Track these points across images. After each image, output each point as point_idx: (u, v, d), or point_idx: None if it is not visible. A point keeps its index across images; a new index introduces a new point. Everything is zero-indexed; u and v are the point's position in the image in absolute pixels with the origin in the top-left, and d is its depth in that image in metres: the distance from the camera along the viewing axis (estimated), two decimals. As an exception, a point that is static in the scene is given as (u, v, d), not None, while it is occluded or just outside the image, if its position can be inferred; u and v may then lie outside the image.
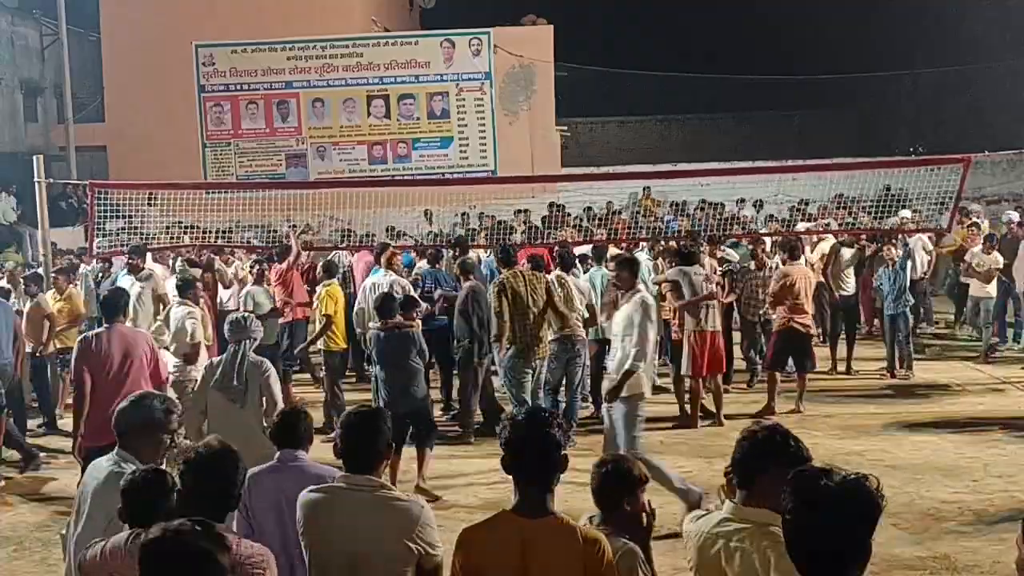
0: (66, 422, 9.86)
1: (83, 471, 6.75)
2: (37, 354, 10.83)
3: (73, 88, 23.83)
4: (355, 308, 10.87)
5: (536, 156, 23.09)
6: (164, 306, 10.56)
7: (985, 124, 26.55)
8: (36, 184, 11.53)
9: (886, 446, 9.29)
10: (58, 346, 10.97)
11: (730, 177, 18.36)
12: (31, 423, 10.75)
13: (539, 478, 3.31)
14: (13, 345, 9.69)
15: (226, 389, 6.55)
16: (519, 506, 3.32)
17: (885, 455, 8.97)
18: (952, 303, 15.53)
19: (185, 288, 9.20)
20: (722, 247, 12.67)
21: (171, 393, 6.82)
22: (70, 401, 9.18)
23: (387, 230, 16.67)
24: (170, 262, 12.79)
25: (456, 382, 10.52)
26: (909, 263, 12.33)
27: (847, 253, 12.81)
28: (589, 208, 19.08)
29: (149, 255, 12.55)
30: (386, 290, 9.49)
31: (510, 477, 3.38)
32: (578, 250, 12.09)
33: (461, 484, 8.57)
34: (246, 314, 7.35)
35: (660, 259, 12.42)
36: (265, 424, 6.24)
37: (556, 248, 11.61)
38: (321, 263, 11.86)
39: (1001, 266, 13.05)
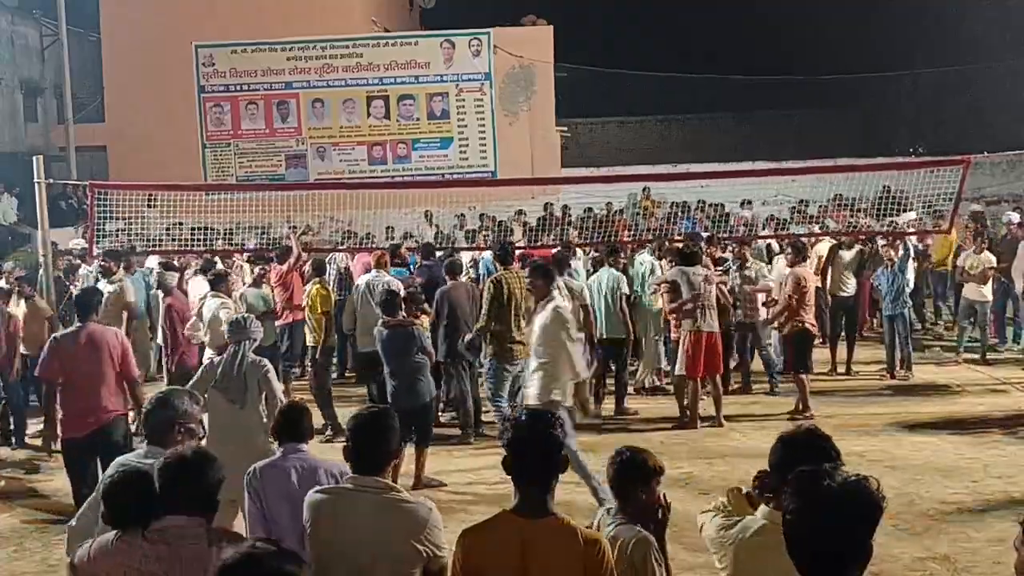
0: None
1: (66, 463, 6.96)
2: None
3: (73, 88, 23.84)
4: (345, 308, 10.87)
5: (536, 157, 23.10)
6: (128, 314, 10.73)
7: (985, 124, 26.55)
8: (36, 184, 11.52)
9: (886, 446, 9.29)
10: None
11: (731, 179, 18.35)
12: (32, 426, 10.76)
13: (540, 479, 3.32)
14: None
15: (226, 389, 6.57)
16: (519, 506, 3.32)
17: (885, 455, 8.98)
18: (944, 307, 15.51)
19: (217, 282, 9.68)
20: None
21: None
22: None
23: (386, 230, 16.70)
24: (193, 263, 12.82)
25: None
26: (909, 264, 12.34)
27: (847, 255, 12.80)
28: (589, 209, 19.09)
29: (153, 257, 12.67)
30: (381, 289, 9.68)
31: (509, 477, 3.39)
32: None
33: (461, 483, 8.58)
34: (245, 315, 7.39)
35: (664, 260, 12.37)
36: (266, 421, 6.28)
37: (559, 250, 11.63)
38: (310, 262, 11.90)
39: (994, 264, 12.92)
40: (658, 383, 12.03)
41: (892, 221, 14.38)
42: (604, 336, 10.64)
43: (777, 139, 30.98)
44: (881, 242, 13.03)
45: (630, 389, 11.43)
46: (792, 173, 18.37)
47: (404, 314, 8.79)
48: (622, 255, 11.70)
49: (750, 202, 19.15)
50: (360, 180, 22.34)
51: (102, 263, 11.33)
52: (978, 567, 6.49)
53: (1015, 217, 14.75)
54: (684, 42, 32.92)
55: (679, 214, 17.48)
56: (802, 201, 16.99)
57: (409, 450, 8.32)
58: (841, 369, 12.56)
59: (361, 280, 10.81)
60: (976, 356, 12.98)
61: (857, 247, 12.96)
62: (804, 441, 3.49)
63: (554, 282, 7.98)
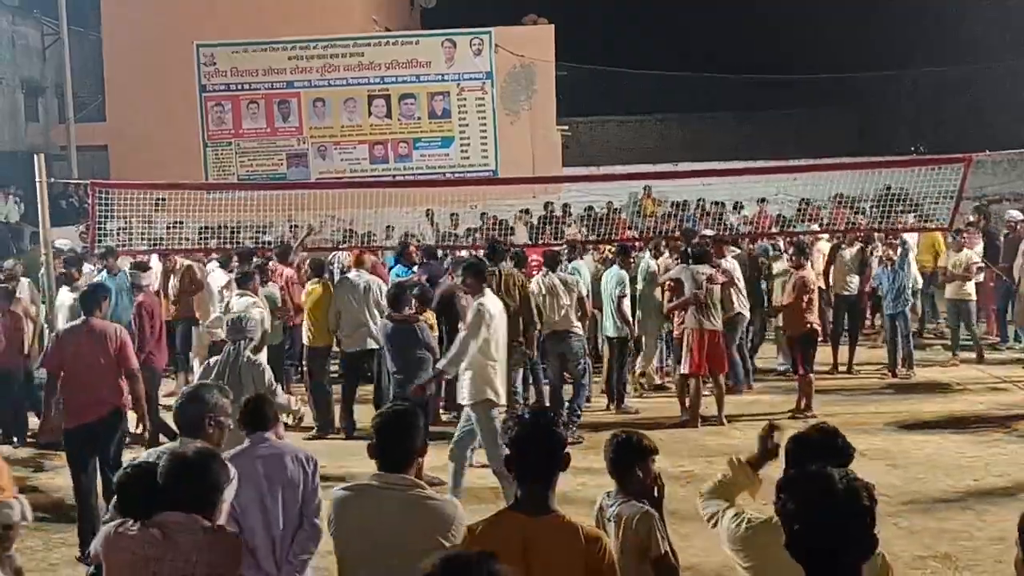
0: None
1: (67, 453, 7.08)
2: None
3: (74, 87, 23.86)
4: (329, 308, 10.86)
5: (537, 156, 23.10)
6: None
7: (985, 124, 26.55)
8: (37, 184, 11.52)
9: (887, 445, 9.30)
10: None
11: (732, 177, 18.34)
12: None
13: (542, 476, 3.34)
14: None
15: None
16: (522, 504, 3.34)
17: (886, 454, 8.98)
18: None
19: (244, 281, 9.73)
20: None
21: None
22: None
23: (386, 229, 16.70)
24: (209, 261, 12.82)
25: None
26: (908, 263, 12.34)
27: (848, 253, 12.79)
28: (590, 207, 19.11)
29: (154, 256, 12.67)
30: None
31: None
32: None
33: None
34: (244, 314, 7.40)
35: (669, 257, 12.35)
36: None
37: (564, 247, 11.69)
38: (308, 261, 11.89)
39: (976, 262, 12.80)
40: (659, 381, 12.06)
41: (899, 222, 14.29)
42: (607, 335, 10.74)
43: (777, 138, 30.97)
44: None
45: (630, 388, 11.46)
46: (793, 171, 18.37)
47: (410, 310, 8.93)
48: (631, 255, 11.68)
49: (764, 199, 19.15)
50: (361, 179, 22.34)
51: (62, 270, 11.01)
52: (979, 565, 6.50)
53: (1017, 215, 14.70)
54: (684, 41, 32.93)
55: (675, 214, 17.51)
56: (803, 200, 16.97)
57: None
58: (842, 368, 12.56)
59: (339, 279, 10.85)
60: (974, 355, 12.98)
61: (858, 245, 12.95)
62: (818, 440, 3.58)
63: (485, 280, 7.96)
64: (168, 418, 7.93)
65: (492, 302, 7.74)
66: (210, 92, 23.72)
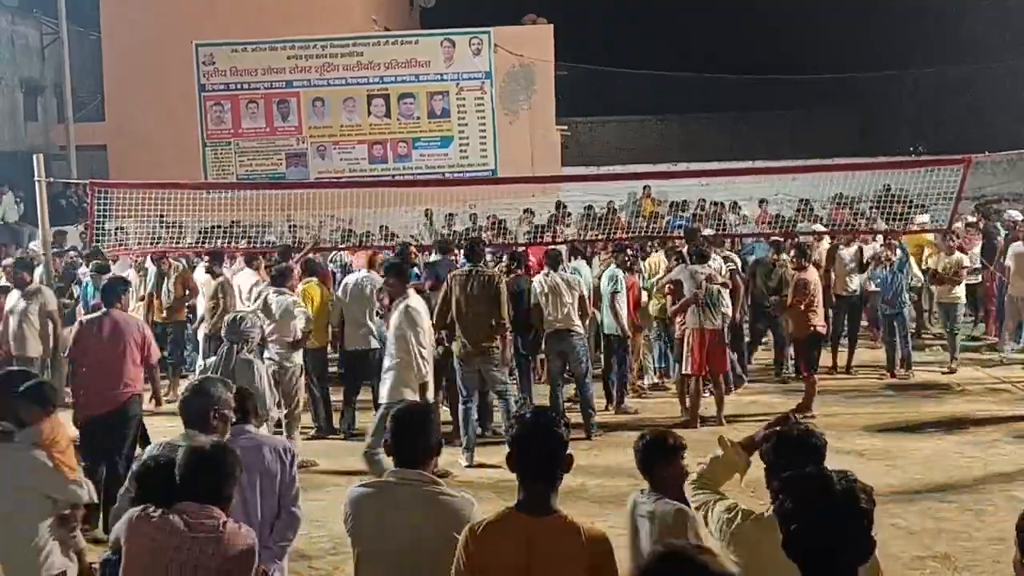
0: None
1: (81, 439, 7.10)
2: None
3: (73, 87, 23.83)
4: (333, 307, 10.86)
5: (536, 155, 23.09)
6: (53, 323, 10.36)
7: (985, 124, 26.55)
8: (36, 183, 11.51)
9: (886, 446, 9.30)
10: None
11: (731, 177, 18.35)
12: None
13: (544, 476, 3.34)
14: None
15: None
16: (524, 504, 3.34)
17: (885, 455, 8.99)
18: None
19: (282, 278, 9.71)
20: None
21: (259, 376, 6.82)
22: None
23: (380, 229, 16.69)
24: (230, 263, 12.80)
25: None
26: (907, 263, 12.32)
27: (847, 254, 12.77)
28: (590, 207, 19.10)
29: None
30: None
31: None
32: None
33: (459, 482, 8.59)
34: (244, 315, 7.40)
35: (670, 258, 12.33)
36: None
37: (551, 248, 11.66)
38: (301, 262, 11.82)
39: (968, 265, 12.67)
40: (657, 380, 12.07)
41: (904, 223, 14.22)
42: (604, 332, 10.83)
43: (777, 139, 30.97)
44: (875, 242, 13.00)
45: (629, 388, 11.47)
46: (793, 172, 18.38)
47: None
48: (628, 253, 11.67)
49: (764, 200, 19.15)
50: (360, 179, 22.33)
51: (14, 277, 10.89)
52: (978, 566, 6.49)
53: (1017, 215, 14.69)
54: (684, 41, 32.92)
55: (664, 215, 17.55)
56: (802, 200, 16.98)
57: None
58: (841, 368, 12.56)
59: (349, 279, 10.82)
60: (977, 356, 12.96)
61: (856, 245, 12.94)
62: (796, 439, 3.60)
63: (408, 281, 8.01)
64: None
65: (418, 303, 7.81)
66: (209, 92, 23.71)
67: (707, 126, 34.26)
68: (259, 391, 6.61)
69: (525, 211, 18.57)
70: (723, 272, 11.09)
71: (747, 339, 12.27)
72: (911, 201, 14.76)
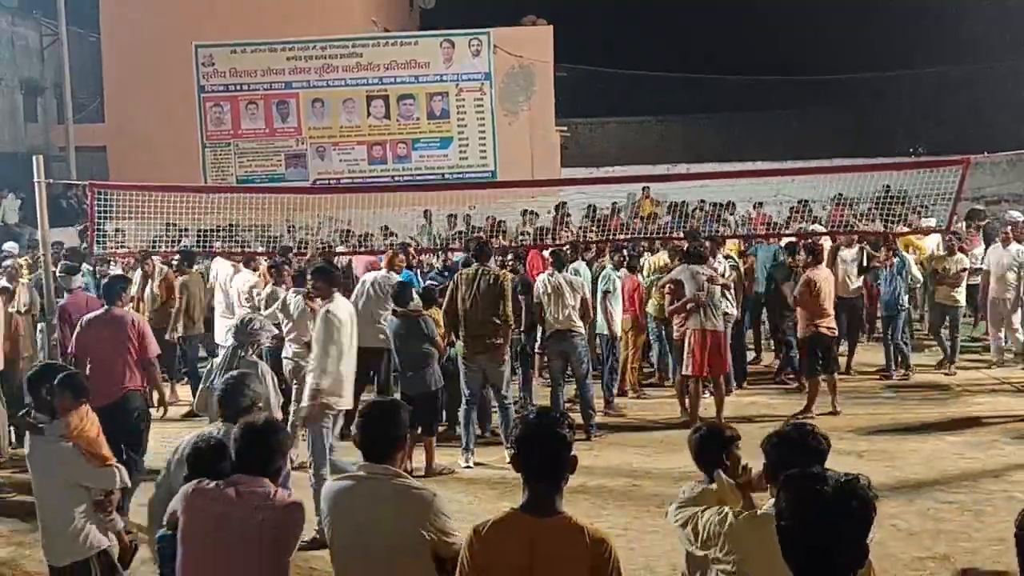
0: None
1: None
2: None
3: (73, 88, 23.84)
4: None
5: (536, 157, 23.10)
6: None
7: (985, 124, 26.55)
8: (36, 185, 11.50)
9: (886, 446, 9.30)
10: None
11: (731, 178, 18.34)
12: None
13: (548, 477, 3.35)
14: None
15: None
16: (527, 505, 3.35)
17: (884, 455, 8.98)
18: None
19: (301, 279, 9.86)
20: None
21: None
22: None
23: (381, 229, 16.70)
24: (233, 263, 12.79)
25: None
26: (907, 266, 12.29)
27: (848, 254, 12.72)
28: (592, 207, 19.11)
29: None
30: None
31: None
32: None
33: (459, 480, 8.60)
34: (253, 317, 7.43)
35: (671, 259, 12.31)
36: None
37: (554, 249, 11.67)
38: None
39: (967, 266, 12.44)
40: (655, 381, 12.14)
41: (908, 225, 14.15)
42: (598, 331, 10.94)
43: (776, 139, 30.97)
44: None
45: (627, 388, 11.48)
46: (792, 173, 18.38)
47: (414, 306, 9.26)
48: (623, 253, 11.69)
49: (761, 204, 19.17)
50: (360, 180, 22.34)
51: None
52: (978, 567, 6.48)
53: (1018, 216, 14.61)
54: (683, 42, 32.93)
55: (664, 216, 17.55)
56: (802, 201, 16.96)
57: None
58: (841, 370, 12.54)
59: (368, 277, 10.78)
60: (977, 356, 12.92)
61: (857, 246, 12.91)
62: (798, 441, 3.61)
63: (336, 284, 7.92)
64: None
65: (342, 308, 7.71)
66: (209, 93, 23.72)
67: (707, 127, 34.26)
68: (262, 392, 6.65)
69: (526, 212, 18.56)
70: (726, 273, 11.10)
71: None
72: (910, 202, 14.74)
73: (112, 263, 13.88)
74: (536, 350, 11.07)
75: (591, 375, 10.34)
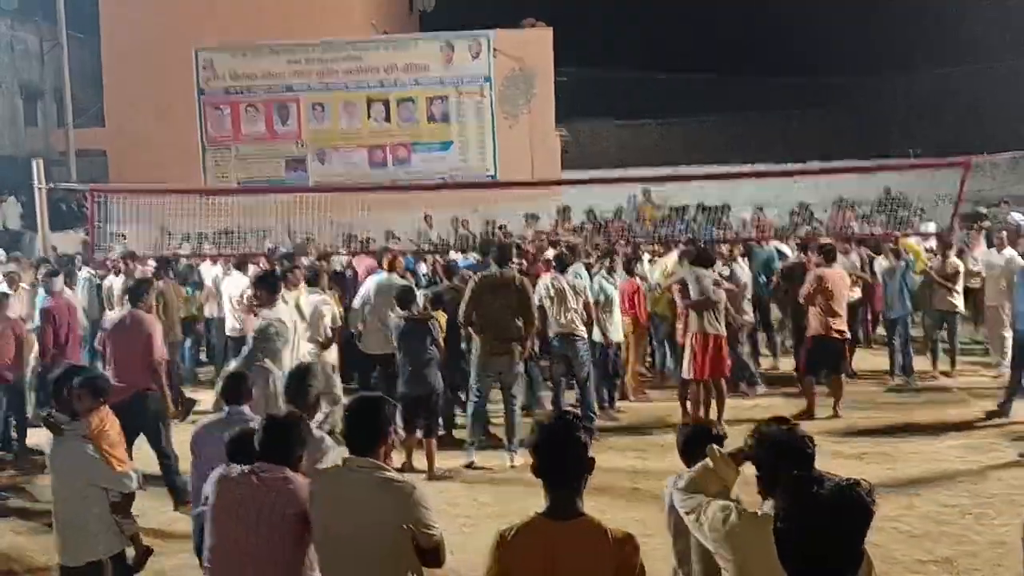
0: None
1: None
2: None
3: (73, 92, 23.86)
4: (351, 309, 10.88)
5: (536, 159, 23.10)
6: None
7: (985, 125, 26.56)
8: (36, 189, 11.53)
9: (886, 449, 9.29)
10: None
11: (732, 180, 18.35)
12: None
13: (568, 481, 3.38)
14: None
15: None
16: (550, 510, 3.39)
17: (885, 458, 8.98)
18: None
19: (314, 279, 10.04)
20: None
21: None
22: None
23: (385, 234, 16.71)
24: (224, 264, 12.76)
25: None
26: (910, 269, 12.26)
27: (844, 262, 12.64)
28: (591, 211, 19.10)
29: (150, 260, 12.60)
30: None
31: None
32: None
33: (462, 481, 8.61)
34: (271, 324, 7.52)
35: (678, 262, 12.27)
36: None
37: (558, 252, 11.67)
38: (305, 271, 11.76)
39: (960, 271, 12.09)
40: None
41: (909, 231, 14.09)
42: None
43: (777, 141, 30.97)
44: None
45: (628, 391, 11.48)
46: (792, 175, 18.37)
47: (418, 309, 9.38)
48: (615, 259, 11.66)
49: (762, 208, 19.13)
50: (359, 184, 22.33)
51: None
52: (979, 571, 6.48)
53: (1020, 218, 14.57)
54: (684, 45, 32.93)
55: (665, 217, 17.54)
56: (802, 204, 16.96)
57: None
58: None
59: (370, 281, 10.76)
60: (979, 359, 12.88)
61: (855, 253, 12.87)
62: (786, 444, 3.60)
63: (277, 292, 8.32)
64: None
65: (284, 314, 8.07)
66: (209, 96, 23.72)
67: (706, 129, 34.23)
68: (272, 396, 6.68)
69: (527, 216, 18.56)
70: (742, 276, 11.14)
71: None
72: (911, 204, 14.74)
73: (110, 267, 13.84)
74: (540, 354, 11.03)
75: (592, 379, 10.35)
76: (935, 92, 30.70)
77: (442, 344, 9.26)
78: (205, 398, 10.54)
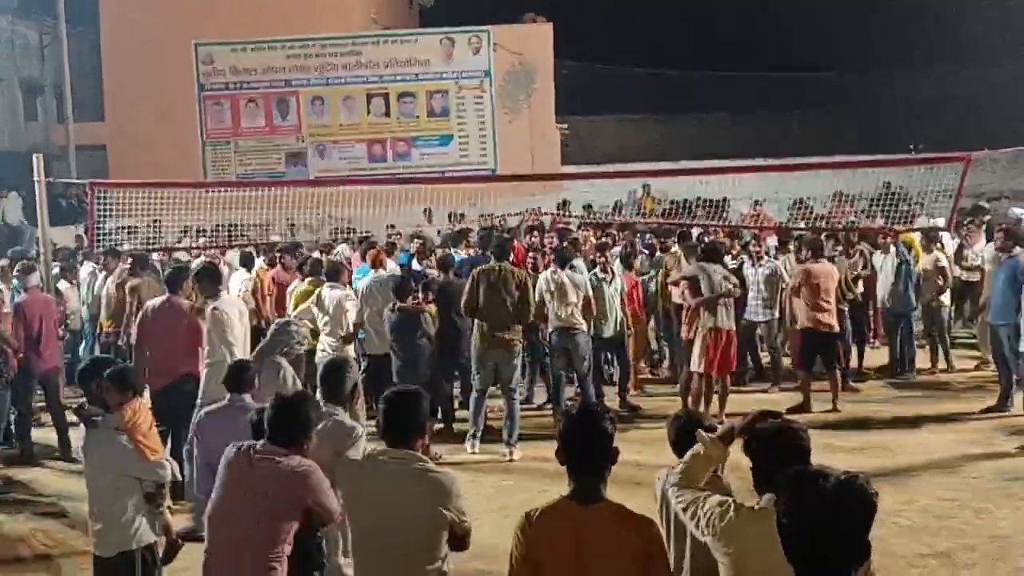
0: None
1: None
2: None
3: (73, 87, 23.84)
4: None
5: (536, 154, 23.10)
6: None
7: (985, 125, 26.56)
8: (36, 184, 11.48)
9: (886, 443, 9.29)
10: None
11: (732, 175, 18.31)
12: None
13: (593, 469, 3.51)
14: None
15: None
16: (574, 494, 3.50)
17: (885, 452, 8.97)
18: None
19: (335, 273, 9.95)
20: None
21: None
22: None
23: (386, 228, 16.69)
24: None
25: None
26: (913, 266, 12.22)
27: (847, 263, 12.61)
28: (589, 206, 19.09)
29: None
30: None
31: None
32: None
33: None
34: (290, 321, 7.62)
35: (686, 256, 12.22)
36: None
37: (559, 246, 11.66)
38: (309, 262, 11.69)
39: (944, 266, 11.98)
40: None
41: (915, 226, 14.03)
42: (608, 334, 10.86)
43: (777, 138, 30.98)
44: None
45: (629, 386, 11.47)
46: (793, 169, 18.34)
47: (413, 300, 9.45)
48: (606, 253, 11.64)
49: (759, 202, 19.13)
50: (359, 177, 22.32)
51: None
52: (978, 564, 6.48)
53: (1021, 213, 14.52)
54: (684, 40, 32.96)
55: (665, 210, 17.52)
56: (800, 199, 16.94)
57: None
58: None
59: (361, 284, 10.72)
60: (978, 353, 12.86)
61: (858, 254, 12.83)
62: (780, 439, 3.62)
63: (220, 283, 8.50)
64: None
65: (229, 306, 8.15)
66: (209, 91, 23.72)
67: (707, 125, 34.27)
68: (282, 390, 6.69)
69: (529, 211, 18.55)
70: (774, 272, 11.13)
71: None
72: (911, 200, 14.70)
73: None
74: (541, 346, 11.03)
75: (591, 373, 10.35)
76: (935, 92, 30.71)
77: (432, 335, 9.40)
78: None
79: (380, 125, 23.75)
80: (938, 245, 12.52)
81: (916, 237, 13.54)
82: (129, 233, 15.01)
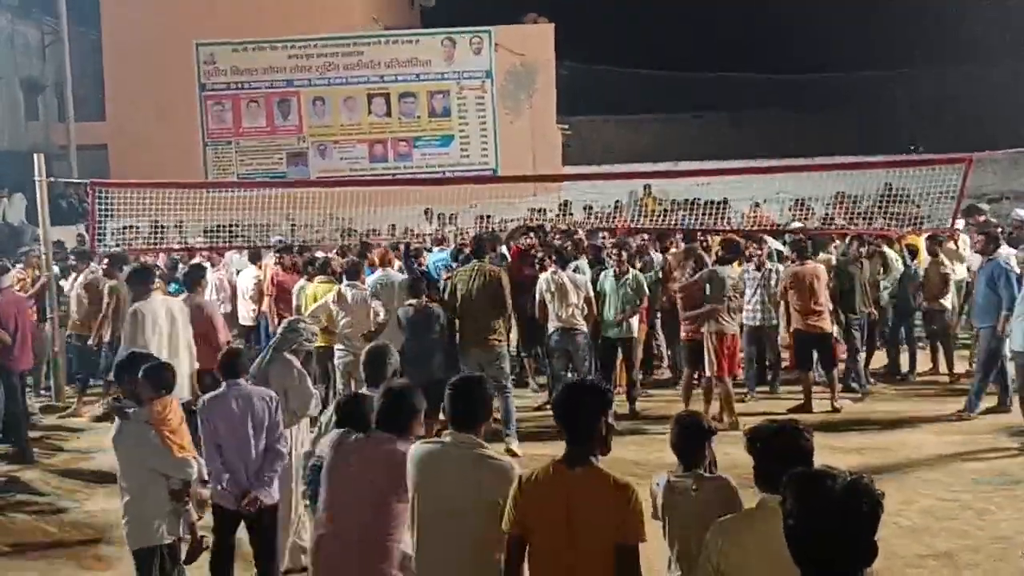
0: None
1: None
2: None
3: (73, 87, 23.84)
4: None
5: (537, 154, 23.10)
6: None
7: (985, 125, 26.56)
8: (37, 183, 11.48)
9: (887, 443, 9.29)
10: None
11: (733, 175, 18.32)
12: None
13: (578, 436, 3.79)
14: None
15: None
16: (565, 457, 3.79)
17: (886, 452, 8.98)
18: None
19: (353, 272, 10.02)
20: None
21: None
22: None
23: (388, 227, 16.71)
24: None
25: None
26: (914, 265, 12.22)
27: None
28: (589, 207, 19.09)
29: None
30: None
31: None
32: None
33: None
34: (300, 319, 7.61)
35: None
36: (287, 415, 6.35)
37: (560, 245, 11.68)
38: (319, 262, 11.70)
39: (948, 270, 11.82)
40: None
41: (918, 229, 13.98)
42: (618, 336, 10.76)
43: (777, 139, 30.96)
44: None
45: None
46: (794, 170, 18.34)
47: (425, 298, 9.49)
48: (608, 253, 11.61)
49: (758, 204, 19.12)
50: (360, 177, 22.33)
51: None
52: (980, 565, 6.48)
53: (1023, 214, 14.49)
54: (685, 41, 32.96)
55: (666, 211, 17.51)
56: (801, 199, 16.93)
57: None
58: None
59: (370, 281, 10.70)
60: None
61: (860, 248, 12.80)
62: (782, 440, 3.63)
63: (152, 283, 8.59)
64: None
65: (155, 306, 8.25)
66: (210, 91, 23.73)
67: (707, 125, 34.27)
68: (298, 389, 6.70)
69: (532, 211, 18.56)
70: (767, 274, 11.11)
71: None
72: (912, 201, 14.69)
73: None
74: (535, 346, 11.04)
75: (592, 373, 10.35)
76: (935, 92, 30.71)
77: (444, 329, 9.37)
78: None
79: (381, 125, 23.76)
80: (951, 246, 12.48)
81: (920, 239, 13.52)
82: (128, 232, 15.01)
